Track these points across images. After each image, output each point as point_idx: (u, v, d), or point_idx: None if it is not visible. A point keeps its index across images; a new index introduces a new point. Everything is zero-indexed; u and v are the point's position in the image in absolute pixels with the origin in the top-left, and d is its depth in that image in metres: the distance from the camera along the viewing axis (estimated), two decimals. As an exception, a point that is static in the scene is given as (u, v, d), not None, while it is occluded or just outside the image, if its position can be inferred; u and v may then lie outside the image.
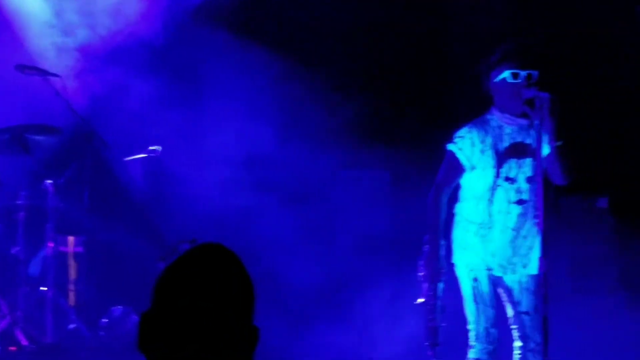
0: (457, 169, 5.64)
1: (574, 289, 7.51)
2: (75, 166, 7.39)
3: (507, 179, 5.58)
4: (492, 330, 5.59)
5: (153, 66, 7.93)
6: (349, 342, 7.44)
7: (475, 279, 5.60)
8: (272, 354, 6.61)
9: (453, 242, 5.68)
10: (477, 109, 5.78)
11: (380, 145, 8.10)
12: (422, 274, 5.55)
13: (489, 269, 5.60)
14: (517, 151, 5.61)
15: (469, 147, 5.61)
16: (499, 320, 5.63)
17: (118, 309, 7.38)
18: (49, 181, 7.30)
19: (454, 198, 5.75)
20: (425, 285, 5.53)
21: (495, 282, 5.64)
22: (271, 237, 7.68)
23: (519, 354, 5.60)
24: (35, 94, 7.59)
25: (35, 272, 7.40)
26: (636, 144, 8.11)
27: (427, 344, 5.52)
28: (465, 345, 5.65)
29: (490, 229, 5.59)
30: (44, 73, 7.35)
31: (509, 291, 5.64)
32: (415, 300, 5.59)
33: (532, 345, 5.54)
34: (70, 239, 7.71)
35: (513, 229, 5.58)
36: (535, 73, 5.56)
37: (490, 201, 5.59)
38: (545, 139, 5.48)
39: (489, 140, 5.61)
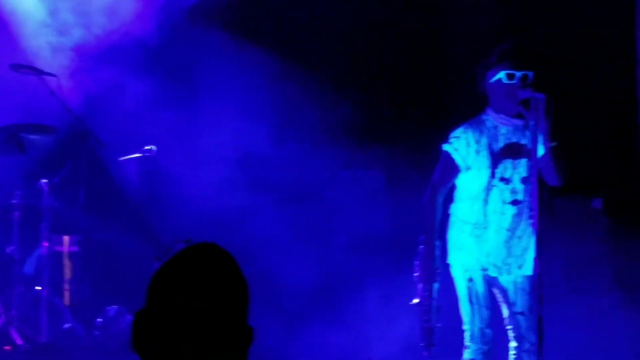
0: (453, 169, 5.65)
1: (568, 290, 7.51)
2: (70, 165, 7.38)
3: (502, 179, 5.59)
4: (487, 331, 5.59)
5: (148, 66, 7.92)
6: (344, 342, 7.43)
7: (470, 279, 5.60)
8: (268, 354, 6.60)
9: (448, 243, 5.69)
10: (474, 109, 5.79)
11: (376, 146, 8.09)
12: (418, 274, 5.56)
13: (484, 270, 5.61)
14: (512, 152, 5.61)
15: (464, 147, 5.62)
16: (494, 321, 5.63)
17: (113, 309, 7.37)
18: (44, 180, 7.28)
19: (449, 198, 5.76)
20: (420, 286, 5.53)
21: (491, 282, 5.64)
22: (267, 237, 7.68)
23: (514, 354, 5.61)
24: (31, 93, 7.57)
25: (30, 272, 7.40)
26: (631, 145, 8.12)
27: (422, 344, 5.53)
28: (460, 346, 5.66)
29: (485, 230, 5.59)
30: (39, 72, 7.34)
31: (504, 291, 5.64)
32: (411, 300, 5.59)
33: (527, 345, 5.55)
34: (65, 238, 7.70)
35: (508, 230, 5.59)
36: (530, 74, 5.57)
37: (485, 201, 5.59)
38: (540, 139, 5.49)
39: (484, 140, 5.62)
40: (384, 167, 8.31)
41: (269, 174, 8.12)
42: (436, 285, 5.54)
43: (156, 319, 2.25)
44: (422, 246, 5.58)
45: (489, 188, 5.59)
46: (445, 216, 5.72)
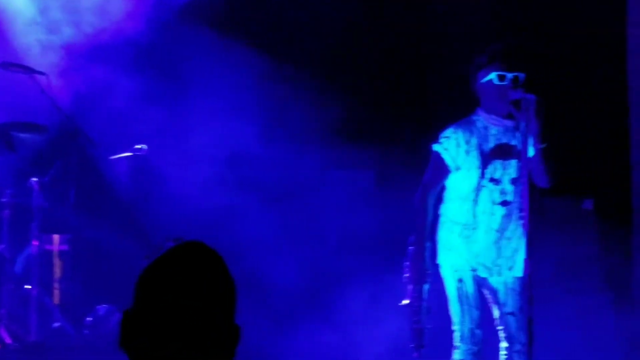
0: (443, 169, 5.65)
1: (559, 290, 7.52)
2: (60, 164, 7.37)
3: (492, 179, 5.59)
4: (477, 331, 5.59)
5: (138, 64, 7.91)
6: (333, 342, 7.43)
7: (460, 280, 5.60)
8: (256, 354, 6.60)
9: (438, 243, 5.68)
10: (463, 109, 5.79)
11: (365, 145, 8.09)
12: (408, 275, 5.55)
13: (474, 270, 5.61)
14: (502, 152, 5.61)
15: (454, 147, 5.62)
16: (484, 321, 5.64)
17: (103, 308, 7.36)
18: (34, 179, 7.26)
19: (439, 199, 5.76)
20: (410, 287, 5.53)
21: (481, 283, 5.64)
22: (256, 236, 7.67)
23: (505, 354, 5.61)
24: (21, 92, 7.55)
25: (19, 270, 7.38)
26: (621, 146, 8.13)
27: (412, 345, 5.52)
28: (450, 346, 5.65)
29: (475, 230, 5.59)
30: (29, 71, 7.33)
31: (494, 292, 5.64)
32: (400, 300, 5.59)
33: (518, 346, 5.55)
34: (55, 237, 7.69)
35: (497, 230, 5.59)
36: (522, 75, 5.58)
37: (475, 202, 5.59)
38: (530, 141, 5.49)
39: (474, 140, 5.62)
40: (373, 167, 8.31)
41: (258, 173, 8.11)
42: (426, 287, 5.54)
43: (144, 317, 2.25)
44: (412, 247, 5.58)
45: (478, 188, 5.59)
46: (436, 217, 5.72)
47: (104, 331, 7.24)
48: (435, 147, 5.68)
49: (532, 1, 8.54)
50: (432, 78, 8.93)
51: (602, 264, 7.81)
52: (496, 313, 5.64)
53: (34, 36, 7.99)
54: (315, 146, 8.01)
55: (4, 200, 7.27)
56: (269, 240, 7.73)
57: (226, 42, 8.07)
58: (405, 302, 5.55)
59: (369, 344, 7.39)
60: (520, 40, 7.85)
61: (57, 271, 7.66)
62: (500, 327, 5.63)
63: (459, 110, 5.82)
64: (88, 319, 7.34)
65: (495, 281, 5.63)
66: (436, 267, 5.65)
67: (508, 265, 5.61)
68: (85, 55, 7.98)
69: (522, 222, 5.45)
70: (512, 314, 5.60)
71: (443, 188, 5.72)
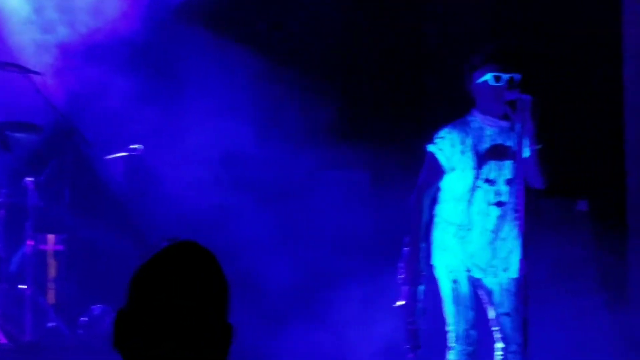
0: (438, 170, 5.65)
1: (554, 291, 7.52)
2: (55, 164, 7.36)
3: (487, 180, 5.59)
4: (472, 332, 5.59)
5: (133, 64, 7.91)
6: (327, 342, 7.43)
7: (455, 281, 5.60)
8: (250, 354, 6.60)
9: (432, 244, 5.68)
10: (459, 110, 5.79)
11: (360, 146, 8.09)
12: (403, 276, 5.55)
13: (468, 271, 5.61)
14: (497, 153, 5.61)
15: (449, 147, 5.62)
16: (479, 322, 5.64)
17: (98, 308, 7.35)
18: (30, 179, 7.26)
19: (434, 200, 5.75)
20: (405, 288, 5.53)
21: (476, 284, 5.64)
22: (251, 236, 7.67)
23: (501, 354, 5.61)
24: (16, 91, 7.55)
25: (14, 270, 7.37)
26: (616, 147, 8.14)
27: (407, 346, 5.52)
28: (444, 347, 5.65)
29: (469, 231, 5.59)
30: (24, 70, 7.32)
31: (489, 293, 5.64)
32: (394, 301, 5.59)
33: (513, 347, 5.54)
34: (50, 237, 7.68)
35: (492, 231, 5.59)
36: (517, 76, 5.57)
37: (470, 202, 5.59)
38: (525, 141, 5.49)
39: (469, 141, 5.62)
40: (368, 168, 8.31)
41: (254, 173, 8.11)
42: (421, 288, 5.53)
43: (137, 317, 2.25)
44: (407, 248, 5.57)
45: (473, 189, 5.59)
46: (431, 218, 5.72)
47: (99, 331, 7.23)
48: (430, 148, 5.68)
49: (529, 2, 8.54)
50: (428, 78, 8.93)
51: (597, 265, 7.82)
52: (492, 314, 5.64)
53: (28, 35, 7.98)
54: (310, 146, 8.01)
55: (-1, 199, 7.27)
56: (264, 241, 7.73)
57: (221, 42, 8.07)
58: (400, 303, 5.55)
59: (363, 345, 7.39)
60: (515, 41, 7.85)
61: (52, 271, 7.66)
62: (495, 328, 5.63)
63: (454, 111, 5.82)
64: (83, 319, 7.33)
65: (490, 282, 5.63)
66: (431, 268, 5.65)
67: (503, 266, 5.61)
68: (80, 54, 7.97)
69: (517, 223, 5.46)
70: (507, 314, 5.60)
71: (438, 189, 5.71)
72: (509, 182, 5.58)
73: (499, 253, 5.60)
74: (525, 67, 5.67)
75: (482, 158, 5.59)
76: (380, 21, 8.80)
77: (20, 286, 7.24)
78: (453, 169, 5.62)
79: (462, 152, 5.60)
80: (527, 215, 5.31)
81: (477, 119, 5.68)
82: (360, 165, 8.27)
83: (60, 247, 7.70)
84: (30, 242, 7.26)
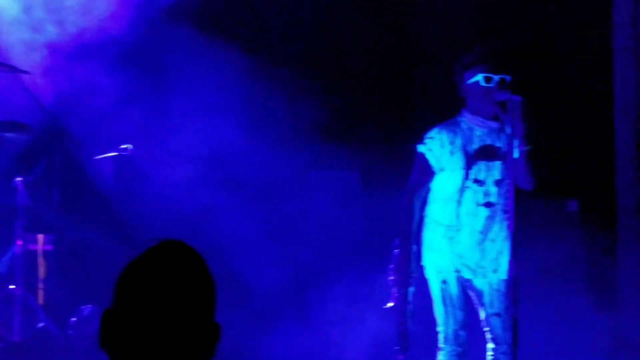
0: (427, 170, 5.64)
1: (544, 291, 7.53)
2: (44, 164, 7.35)
3: (476, 181, 5.59)
4: (461, 333, 5.58)
5: (122, 63, 7.89)
6: (315, 342, 7.43)
7: (444, 281, 5.60)
8: (238, 353, 6.59)
9: (422, 244, 5.68)
10: (448, 111, 5.78)
11: (349, 146, 8.09)
12: (392, 278, 5.54)
13: (458, 271, 5.60)
14: (487, 154, 5.60)
15: (438, 148, 5.61)
16: (469, 323, 5.63)
17: (87, 308, 7.33)
18: (19, 179, 7.24)
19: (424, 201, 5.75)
20: (395, 290, 5.52)
21: (465, 284, 5.64)
22: (239, 236, 7.66)
23: (492, 355, 5.60)
24: (4, 91, 7.53)
25: (3, 270, 7.35)
26: (606, 148, 8.14)
27: (397, 348, 5.52)
28: (434, 347, 5.65)
29: (458, 232, 5.59)
30: (13, 70, 7.31)
31: (479, 294, 5.64)
32: (382, 302, 5.58)
33: (504, 347, 5.54)
34: (40, 237, 7.67)
35: (481, 232, 5.58)
36: (508, 77, 5.57)
37: (459, 203, 5.59)
38: (515, 142, 5.49)
39: (458, 141, 5.61)
40: (358, 168, 8.31)
41: (242, 173, 8.10)
42: (411, 289, 5.53)
43: (123, 316, 2.25)
44: (397, 250, 5.57)
45: (462, 189, 5.58)
46: (422, 219, 5.71)
47: (89, 331, 7.21)
48: (420, 148, 5.67)
49: (519, 4, 8.55)
50: (417, 79, 8.93)
51: (587, 266, 7.83)
52: (482, 314, 5.64)
53: (17, 35, 7.96)
54: (299, 146, 8.01)
55: (-12, 199, 7.25)
56: (253, 240, 7.72)
57: (210, 42, 8.06)
58: (390, 304, 5.54)
59: (351, 344, 7.39)
60: (506, 42, 7.86)
61: (42, 271, 7.64)
62: (486, 329, 5.63)
63: (444, 112, 5.82)
64: (72, 319, 7.31)
65: (479, 283, 5.63)
66: (421, 269, 5.65)
67: (492, 267, 5.60)
68: (70, 54, 7.96)
69: (506, 223, 5.46)
70: (497, 315, 5.60)
71: (428, 190, 5.71)
72: (498, 182, 5.58)
73: (488, 254, 5.60)
74: (515, 68, 5.66)
75: (471, 158, 5.59)
76: (369, 22, 8.80)
77: (9, 286, 7.22)
78: (442, 170, 5.61)
79: (452, 153, 5.60)
80: (517, 216, 5.31)
81: (466, 120, 5.67)
82: (350, 165, 8.27)
83: (49, 247, 7.69)
84: (19, 242, 7.24)
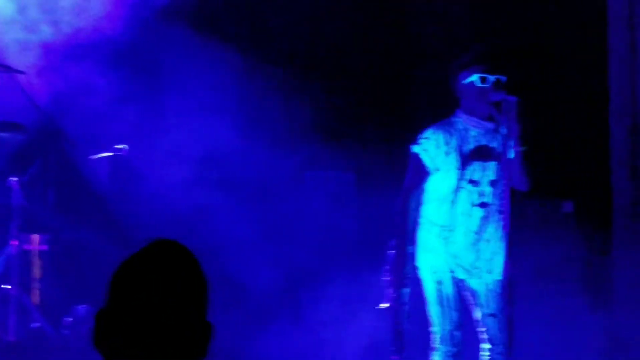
0: (422, 171, 5.64)
1: (539, 292, 7.54)
2: (39, 164, 7.34)
3: (471, 181, 5.58)
4: (456, 333, 5.58)
5: (117, 63, 7.89)
6: (309, 342, 7.43)
7: (439, 282, 5.59)
8: (232, 354, 6.59)
9: (417, 245, 5.67)
10: (444, 111, 5.78)
11: (344, 146, 8.09)
12: (388, 279, 5.54)
13: (452, 272, 5.60)
14: (482, 154, 5.60)
15: (433, 148, 5.61)
16: (463, 323, 5.63)
17: (82, 308, 7.33)
18: (14, 179, 7.24)
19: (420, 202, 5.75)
20: (390, 291, 5.52)
21: (461, 285, 5.64)
22: (234, 236, 7.66)
23: (488, 355, 5.60)
24: (-1, 91, 7.53)
25: (-2, 271, 7.35)
26: (601, 149, 8.15)
27: (392, 348, 5.52)
28: (429, 348, 5.65)
29: (453, 232, 5.58)
30: (8, 70, 7.30)
31: (474, 294, 5.63)
32: (377, 301, 5.58)
33: (500, 347, 5.54)
34: (35, 237, 7.66)
35: (475, 232, 5.58)
36: (503, 78, 5.57)
37: (453, 203, 5.58)
38: (510, 143, 5.49)
39: (453, 142, 5.61)
40: (353, 168, 8.31)
41: (238, 173, 8.10)
42: (406, 290, 5.53)
43: (116, 316, 2.25)
44: (393, 251, 5.56)
45: (457, 190, 5.58)
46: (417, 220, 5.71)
47: (84, 331, 7.21)
48: (415, 149, 5.67)
49: (514, 5, 8.55)
50: (413, 79, 8.93)
51: (583, 266, 7.83)
52: (478, 315, 5.64)
53: (12, 35, 7.95)
54: (295, 147, 8.01)
55: (-17, 200, 7.24)
56: (248, 240, 7.72)
57: (205, 41, 8.06)
58: (385, 305, 5.54)
59: (345, 345, 7.39)
60: (502, 43, 7.86)
61: (37, 271, 7.64)
62: (482, 329, 5.63)
63: (440, 112, 5.82)
64: (67, 319, 7.31)
65: (474, 283, 5.62)
66: (416, 270, 5.64)
67: (487, 268, 5.60)
68: (64, 54, 7.95)
69: (501, 224, 5.45)
70: (493, 315, 5.59)
71: (423, 191, 5.70)
72: (492, 183, 5.58)
73: (482, 254, 5.60)
74: (511, 68, 5.67)
75: (466, 159, 5.59)
76: (365, 22, 8.80)
77: (4, 286, 7.21)
78: (437, 170, 5.61)
79: (447, 153, 5.60)
80: (513, 216, 5.31)
81: (461, 120, 5.67)
82: (345, 165, 8.27)
83: (44, 247, 7.69)
84: (14, 242, 7.24)
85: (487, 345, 5.60)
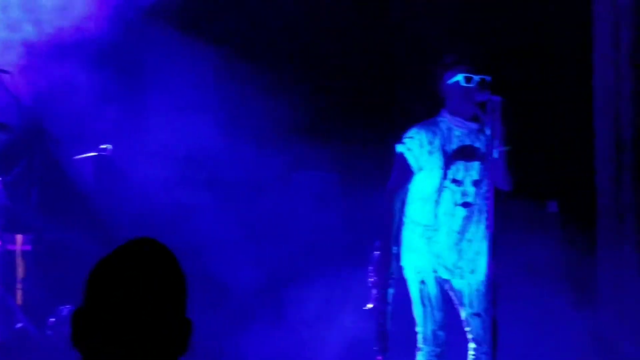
0: (407, 170, 5.64)
1: (524, 292, 7.54)
2: (23, 163, 7.32)
3: (454, 181, 5.58)
4: (440, 333, 5.58)
5: (101, 63, 7.87)
6: (292, 342, 7.42)
7: (422, 282, 5.59)
8: (214, 353, 6.58)
9: (401, 245, 5.67)
10: (430, 111, 5.78)
11: (329, 146, 8.09)
12: (373, 280, 5.53)
13: (435, 271, 5.60)
14: (465, 154, 5.61)
15: (417, 147, 5.61)
16: (447, 323, 5.63)
17: (66, 308, 7.31)
18: (-2, 178, 7.22)
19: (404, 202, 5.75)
20: (374, 291, 5.52)
21: (445, 285, 5.64)
22: (218, 235, 7.66)
23: (473, 355, 5.60)
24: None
25: (-19, 271, 7.32)
26: (586, 149, 8.16)
27: (376, 348, 5.51)
28: (413, 348, 5.65)
29: (436, 232, 5.58)
30: (-8, 69, 7.28)
31: (458, 294, 5.64)
32: (360, 301, 5.58)
33: (485, 347, 5.54)
34: (18, 237, 7.63)
35: (458, 232, 5.58)
36: (488, 78, 5.58)
37: (437, 203, 5.58)
38: (494, 143, 5.49)
39: (437, 141, 5.61)
40: (338, 168, 8.30)
41: (222, 173, 8.09)
42: (391, 291, 5.52)
43: (94, 314, 2.24)
44: (377, 252, 5.55)
45: (440, 189, 5.58)
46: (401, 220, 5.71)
47: (67, 332, 7.18)
48: (399, 148, 5.67)
49: (498, 5, 8.56)
50: (399, 79, 8.93)
51: (567, 266, 7.84)
52: (463, 314, 5.64)
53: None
54: (279, 146, 8.00)
55: (-33, 199, 7.21)
56: (232, 240, 7.72)
57: (189, 41, 8.05)
58: (370, 306, 5.53)
59: (329, 345, 7.39)
60: (486, 43, 7.87)
61: (20, 271, 7.61)
62: (467, 329, 5.63)
63: (425, 112, 5.82)
64: (51, 319, 7.29)
65: (458, 283, 5.63)
66: (400, 269, 5.64)
67: (470, 267, 5.60)
68: (47, 53, 7.93)
69: (484, 224, 5.46)
70: (478, 315, 5.60)
71: (407, 190, 5.70)
72: (475, 183, 5.58)
73: (465, 254, 5.60)
74: (496, 69, 5.67)
75: (449, 158, 5.59)
76: (350, 22, 8.79)
77: (-13, 287, 7.19)
78: (421, 169, 5.61)
79: (430, 153, 5.60)
80: (497, 216, 5.31)
81: (446, 120, 5.68)
82: (330, 166, 8.26)
83: (28, 247, 7.66)
84: (-3, 242, 7.22)
85: (472, 345, 5.61)
